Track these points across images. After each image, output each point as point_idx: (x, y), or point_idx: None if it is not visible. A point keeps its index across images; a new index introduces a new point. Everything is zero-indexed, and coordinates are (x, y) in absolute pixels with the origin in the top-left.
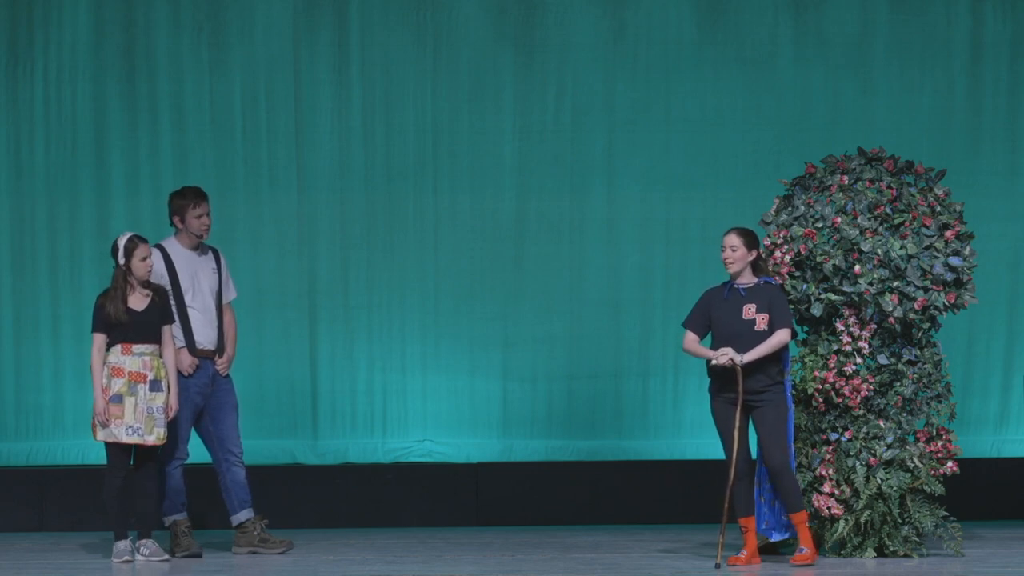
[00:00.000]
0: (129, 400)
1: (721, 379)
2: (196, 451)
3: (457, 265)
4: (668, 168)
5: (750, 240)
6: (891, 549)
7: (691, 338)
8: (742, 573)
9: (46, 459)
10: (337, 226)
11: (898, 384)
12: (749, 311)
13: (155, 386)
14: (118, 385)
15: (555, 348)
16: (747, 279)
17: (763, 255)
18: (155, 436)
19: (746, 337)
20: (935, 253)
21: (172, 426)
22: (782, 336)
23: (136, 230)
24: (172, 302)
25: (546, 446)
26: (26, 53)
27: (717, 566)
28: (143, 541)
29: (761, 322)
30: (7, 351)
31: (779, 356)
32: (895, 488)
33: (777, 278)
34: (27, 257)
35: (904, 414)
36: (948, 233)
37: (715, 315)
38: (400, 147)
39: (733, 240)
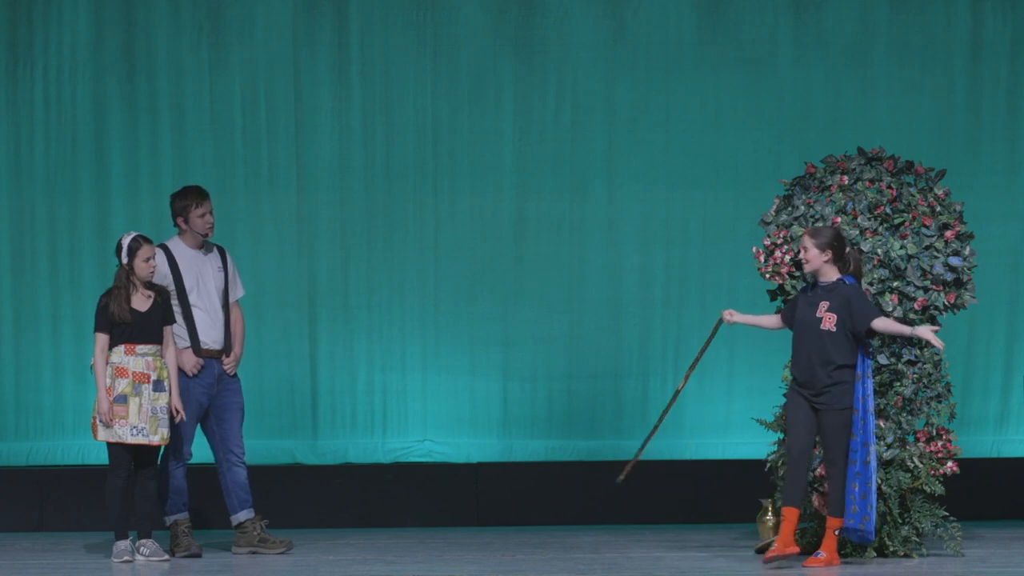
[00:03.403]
0: (134, 400)
1: (794, 373)
2: (197, 451)
3: (457, 265)
4: (668, 168)
5: (821, 241)
6: (891, 549)
7: (772, 316)
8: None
9: (46, 459)
10: (337, 226)
11: (898, 384)
12: (821, 309)
13: (159, 386)
14: (122, 385)
15: (555, 348)
16: (828, 278)
17: (849, 254)
18: (159, 436)
19: (813, 334)
20: (935, 253)
21: (175, 426)
22: (886, 322)
23: (136, 230)
24: (176, 302)
25: (546, 446)
26: (26, 53)
27: (619, 480)
28: (143, 541)
29: (828, 321)
30: (7, 351)
31: (848, 356)
32: (895, 488)
33: (776, 278)
34: (27, 257)
35: (904, 414)
36: (948, 233)
37: (798, 309)
38: (400, 147)
39: (804, 241)
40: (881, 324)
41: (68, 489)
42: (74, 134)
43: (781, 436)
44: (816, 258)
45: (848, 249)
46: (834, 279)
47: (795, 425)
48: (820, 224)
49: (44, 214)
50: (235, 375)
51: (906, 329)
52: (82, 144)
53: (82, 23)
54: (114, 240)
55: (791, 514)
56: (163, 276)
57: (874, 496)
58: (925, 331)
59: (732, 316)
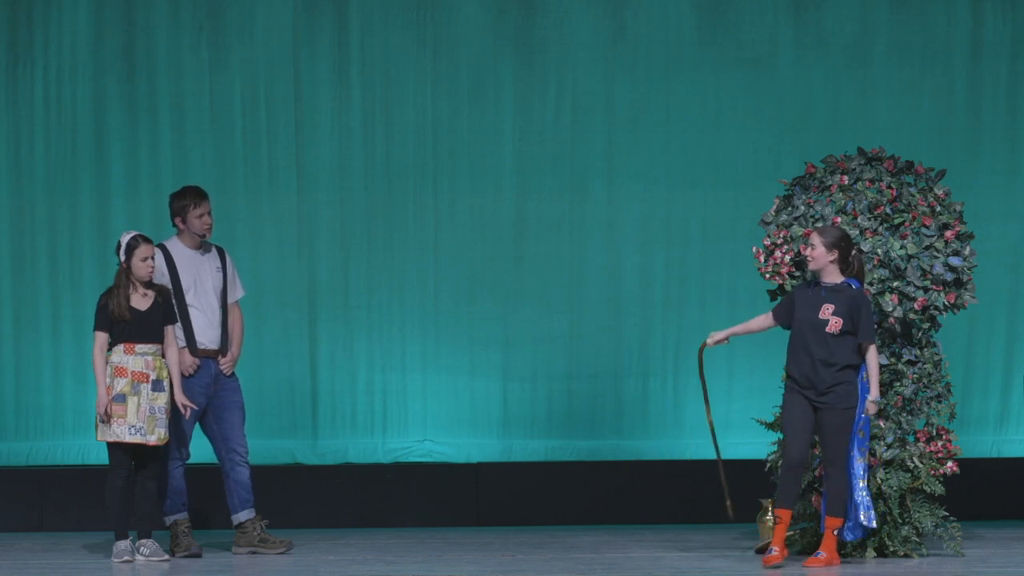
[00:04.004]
0: (132, 400)
1: (794, 374)
2: (197, 451)
3: (457, 265)
4: (668, 168)
5: (829, 240)
6: (891, 549)
7: (762, 317)
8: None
9: (46, 459)
10: (337, 226)
11: (898, 384)
12: (826, 311)
13: (157, 386)
14: (121, 384)
15: (555, 348)
16: (832, 279)
17: (854, 257)
18: (157, 436)
19: (816, 335)
20: (935, 253)
21: (174, 426)
22: (874, 355)
23: (136, 230)
24: (173, 302)
25: (546, 446)
26: (26, 53)
27: (731, 513)
28: (143, 541)
29: (834, 325)
30: (7, 351)
31: (852, 356)
32: (895, 488)
33: (776, 278)
34: (27, 257)
35: (904, 414)
36: (948, 233)
37: (797, 309)
38: (400, 147)
39: (812, 239)
40: (870, 356)
41: (68, 489)
42: (74, 134)
43: (781, 436)
44: (822, 256)
45: (853, 252)
46: (839, 281)
47: (793, 425)
48: (820, 224)
49: (44, 214)
50: (233, 374)
51: (872, 382)
52: (82, 144)
53: (82, 23)
54: (114, 240)
55: (787, 516)
56: (160, 276)
57: (868, 496)
58: (872, 404)
59: (715, 338)
